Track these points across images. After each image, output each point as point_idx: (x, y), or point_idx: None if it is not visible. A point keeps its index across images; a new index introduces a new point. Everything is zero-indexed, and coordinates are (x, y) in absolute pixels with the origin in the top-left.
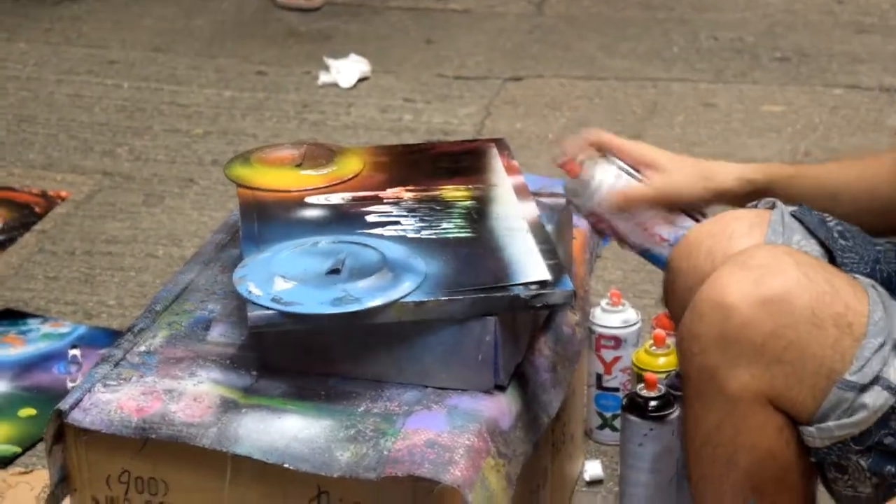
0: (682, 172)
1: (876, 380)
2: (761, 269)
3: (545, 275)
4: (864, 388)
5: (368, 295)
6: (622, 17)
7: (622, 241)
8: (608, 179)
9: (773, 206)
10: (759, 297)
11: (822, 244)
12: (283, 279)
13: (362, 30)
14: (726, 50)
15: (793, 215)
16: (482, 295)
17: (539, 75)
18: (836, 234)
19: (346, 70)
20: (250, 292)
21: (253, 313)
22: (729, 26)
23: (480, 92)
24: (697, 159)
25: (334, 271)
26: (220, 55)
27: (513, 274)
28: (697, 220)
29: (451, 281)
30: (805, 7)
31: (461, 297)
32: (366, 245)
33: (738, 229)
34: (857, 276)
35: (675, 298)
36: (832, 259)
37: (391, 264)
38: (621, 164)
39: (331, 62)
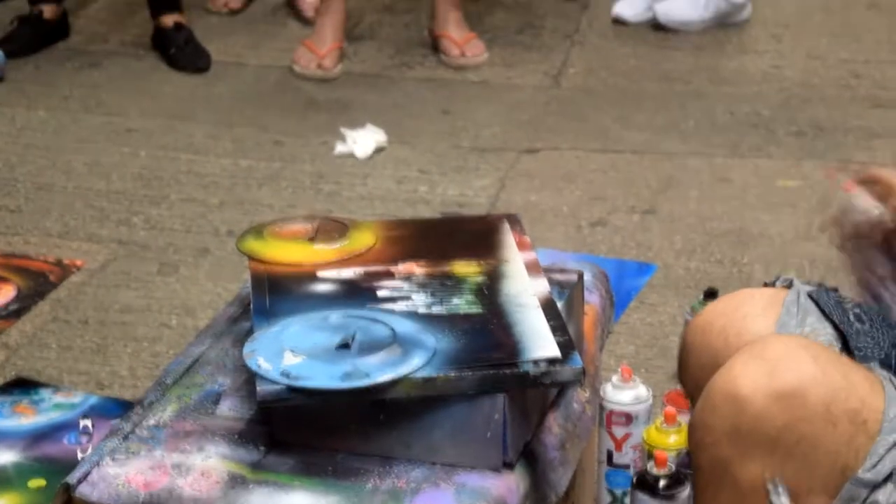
0: None
1: (889, 477)
2: (776, 361)
3: (555, 352)
4: (877, 486)
5: (378, 370)
6: (639, 89)
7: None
8: (862, 208)
9: (790, 286)
10: (773, 391)
11: (836, 327)
12: (293, 353)
13: (379, 100)
14: (742, 124)
15: (809, 296)
16: (491, 371)
17: (555, 147)
18: (851, 317)
19: (363, 140)
20: (259, 366)
21: (262, 388)
22: (745, 100)
23: (496, 164)
24: None
25: (344, 346)
26: (238, 124)
27: (522, 350)
28: None
29: (461, 357)
30: (821, 82)
31: (470, 373)
32: (376, 320)
33: (752, 310)
34: (874, 366)
35: (688, 375)
36: (846, 342)
37: (401, 339)
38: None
39: (347, 132)
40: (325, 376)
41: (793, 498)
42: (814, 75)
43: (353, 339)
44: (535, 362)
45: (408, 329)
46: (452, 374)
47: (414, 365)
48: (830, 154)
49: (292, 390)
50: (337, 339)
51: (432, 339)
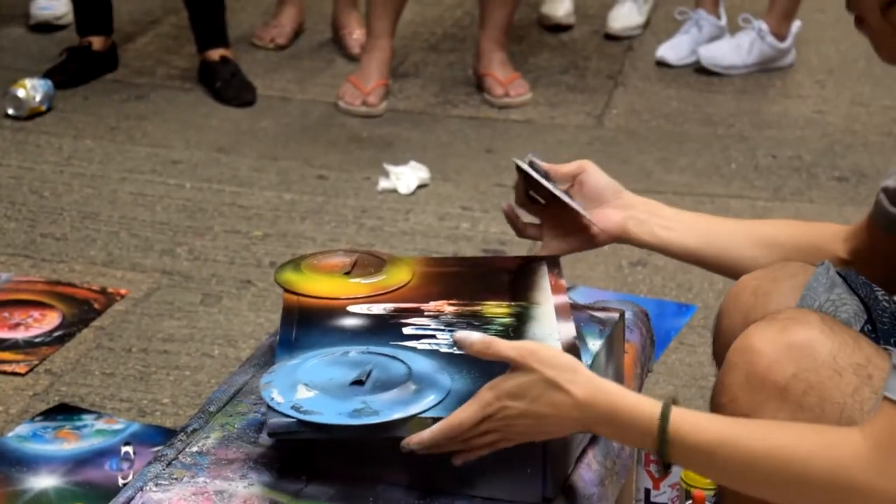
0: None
1: None
2: (787, 319)
3: None
4: None
5: (388, 408)
6: (681, 131)
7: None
8: None
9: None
10: (784, 342)
11: (862, 302)
12: (306, 387)
13: (423, 137)
14: (784, 168)
15: (838, 273)
16: None
17: None
18: (879, 296)
19: (406, 177)
20: (273, 398)
21: (272, 420)
22: (788, 144)
23: None
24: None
25: (358, 382)
26: (282, 158)
27: None
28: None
29: None
30: (864, 128)
31: None
32: (395, 357)
33: (783, 274)
34: (891, 348)
35: (720, 340)
36: (871, 317)
37: (416, 378)
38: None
39: (391, 168)
40: (334, 412)
41: None
42: (856, 121)
43: (367, 375)
44: None
45: (425, 368)
46: None
47: (425, 404)
48: (873, 199)
49: (301, 424)
50: (353, 375)
51: (448, 379)
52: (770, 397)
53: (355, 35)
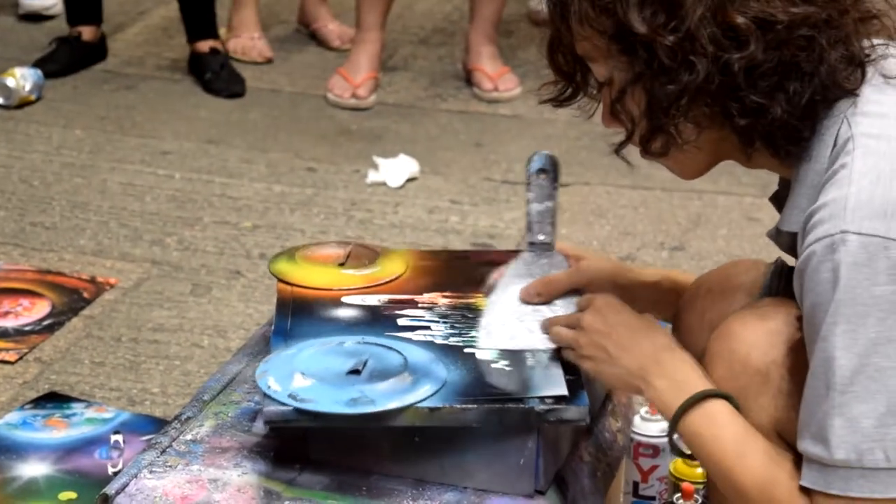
0: None
1: None
2: (765, 307)
3: (562, 390)
4: None
5: (384, 397)
6: None
7: None
8: None
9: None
10: (764, 328)
11: None
12: (303, 376)
13: (412, 130)
14: None
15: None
16: (497, 406)
17: (586, 182)
18: None
19: (395, 170)
20: (269, 387)
21: (268, 408)
22: None
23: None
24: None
25: (355, 371)
26: (272, 150)
27: (531, 387)
28: None
29: (470, 389)
30: None
31: (476, 406)
32: (390, 348)
33: (736, 270)
34: None
35: (678, 338)
36: None
37: (412, 368)
38: None
39: (380, 161)
40: (331, 401)
41: (787, 436)
42: None
43: (364, 365)
44: (542, 399)
45: (421, 358)
46: (458, 406)
47: (421, 394)
48: None
49: (297, 412)
50: (349, 364)
51: (443, 370)
52: (753, 383)
53: (330, 26)
